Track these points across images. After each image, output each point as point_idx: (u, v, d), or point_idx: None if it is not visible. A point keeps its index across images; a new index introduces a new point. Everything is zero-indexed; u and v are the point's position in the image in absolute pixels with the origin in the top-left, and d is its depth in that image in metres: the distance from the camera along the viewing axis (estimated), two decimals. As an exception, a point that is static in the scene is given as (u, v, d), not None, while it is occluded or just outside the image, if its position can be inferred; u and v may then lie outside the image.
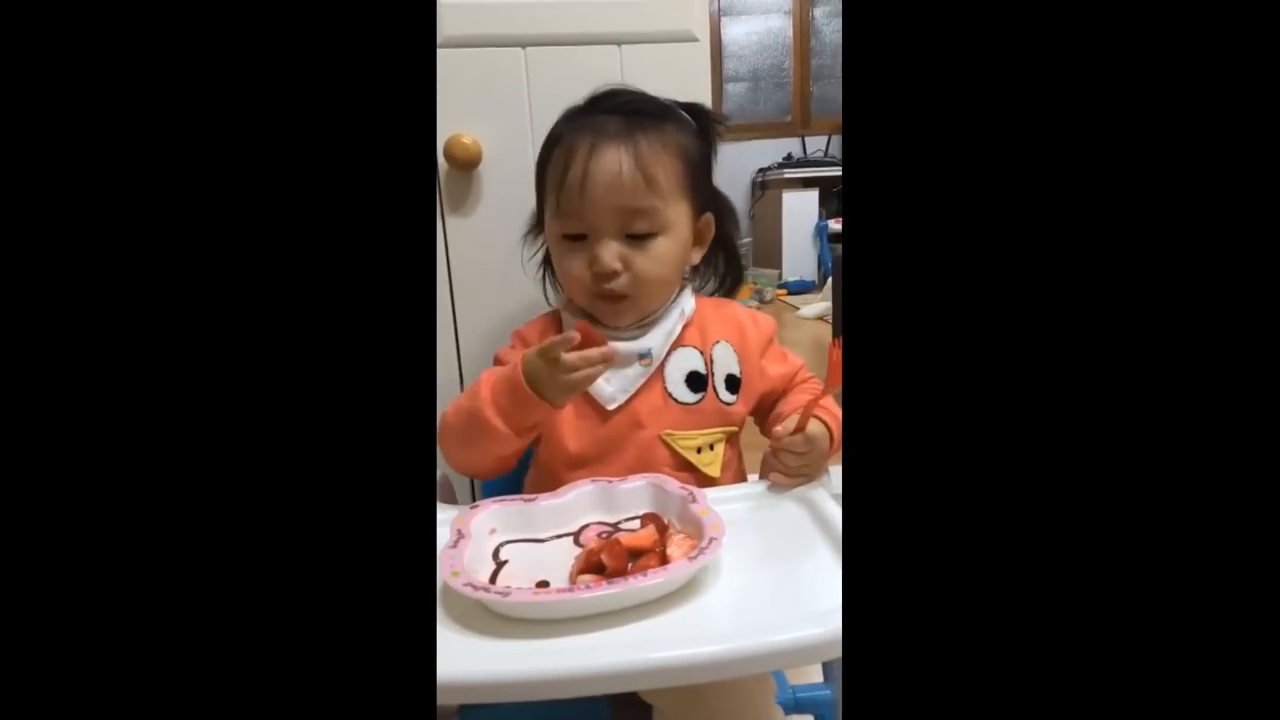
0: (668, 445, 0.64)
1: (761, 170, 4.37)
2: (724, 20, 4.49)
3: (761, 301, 3.77)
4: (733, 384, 0.66)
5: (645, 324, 0.66)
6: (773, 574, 0.48)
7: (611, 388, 0.64)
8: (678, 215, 0.64)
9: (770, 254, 4.22)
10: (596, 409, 0.65)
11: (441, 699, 0.33)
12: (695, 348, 0.66)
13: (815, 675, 0.67)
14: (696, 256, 0.69)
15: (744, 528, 0.52)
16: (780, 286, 3.98)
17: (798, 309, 3.53)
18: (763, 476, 0.60)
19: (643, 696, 0.57)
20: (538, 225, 0.73)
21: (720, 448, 0.65)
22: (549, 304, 0.77)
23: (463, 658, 0.38)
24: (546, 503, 0.54)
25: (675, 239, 0.64)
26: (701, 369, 0.65)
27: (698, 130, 0.68)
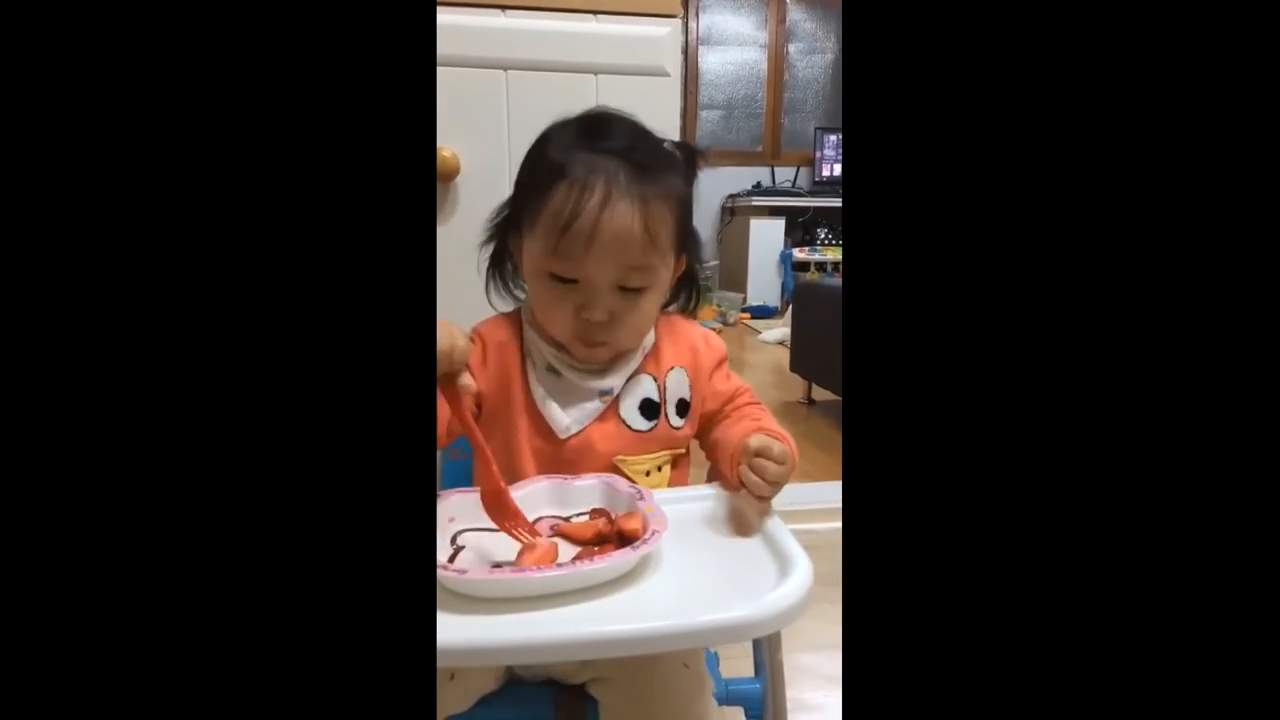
0: (618, 469, 0.66)
1: (732, 196, 4.47)
2: (701, 49, 4.61)
3: (725, 324, 3.84)
4: (683, 408, 0.68)
5: (612, 365, 0.68)
6: (710, 563, 0.52)
7: (568, 419, 0.65)
8: (665, 270, 0.65)
9: (736, 277, 4.31)
10: (551, 437, 0.66)
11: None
12: (651, 374, 0.68)
13: (747, 669, 0.71)
14: (666, 294, 0.70)
15: (686, 524, 0.56)
16: (744, 310, 4.06)
17: (759, 332, 3.61)
18: (716, 482, 0.64)
19: (589, 690, 0.61)
20: (499, 232, 0.72)
21: (667, 469, 0.68)
22: (491, 305, 0.75)
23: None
24: None
25: (659, 291, 0.65)
26: (655, 397, 0.67)
27: (686, 172, 0.68)
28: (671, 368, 0.69)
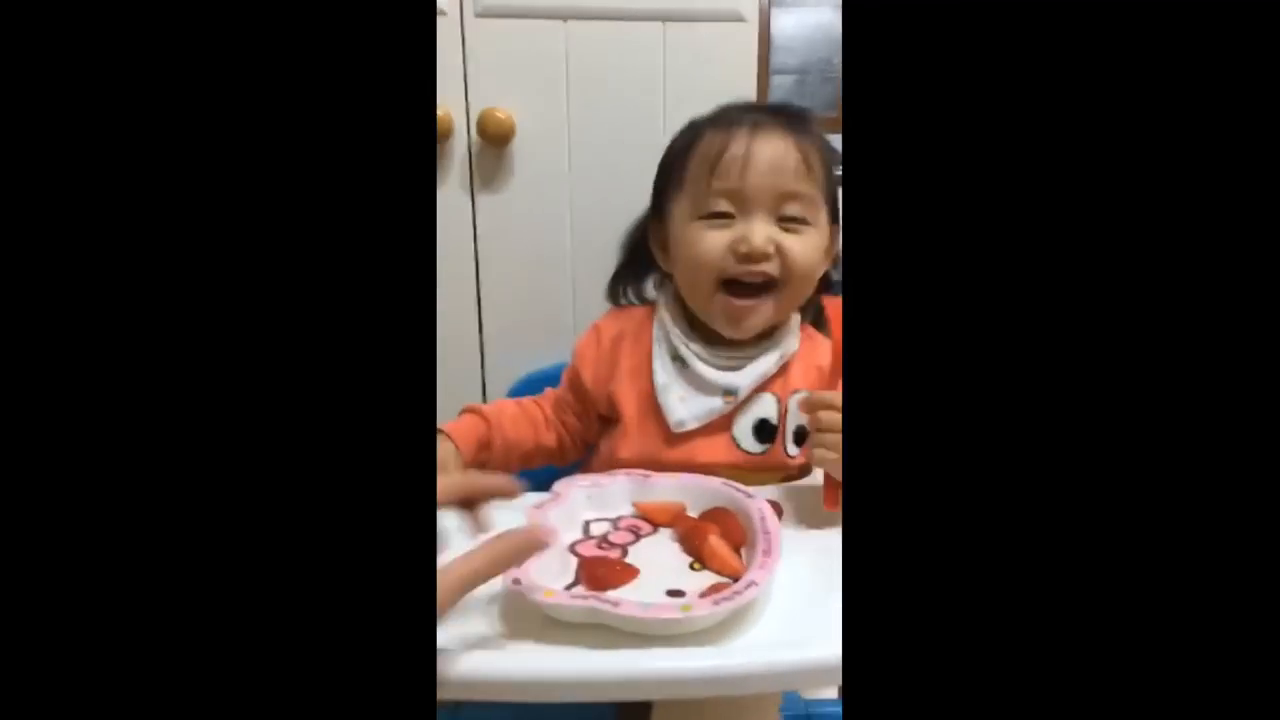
0: None
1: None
2: (774, 11, 4.43)
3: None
4: (800, 437, 0.62)
5: (748, 353, 0.62)
6: (801, 576, 0.45)
7: (685, 412, 0.60)
8: (822, 214, 0.61)
9: (807, 252, 4.18)
10: (661, 432, 0.61)
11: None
12: (775, 394, 0.62)
13: (831, 689, 0.64)
14: (827, 265, 0.65)
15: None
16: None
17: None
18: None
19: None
20: (646, 225, 0.68)
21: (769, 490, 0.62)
22: (615, 300, 0.70)
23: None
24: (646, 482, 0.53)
25: (821, 237, 0.61)
26: (774, 419, 0.61)
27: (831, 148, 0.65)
28: (796, 390, 0.62)
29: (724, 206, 0.59)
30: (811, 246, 0.60)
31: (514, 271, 0.80)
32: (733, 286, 0.59)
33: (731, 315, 0.60)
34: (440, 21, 0.74)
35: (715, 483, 0.52)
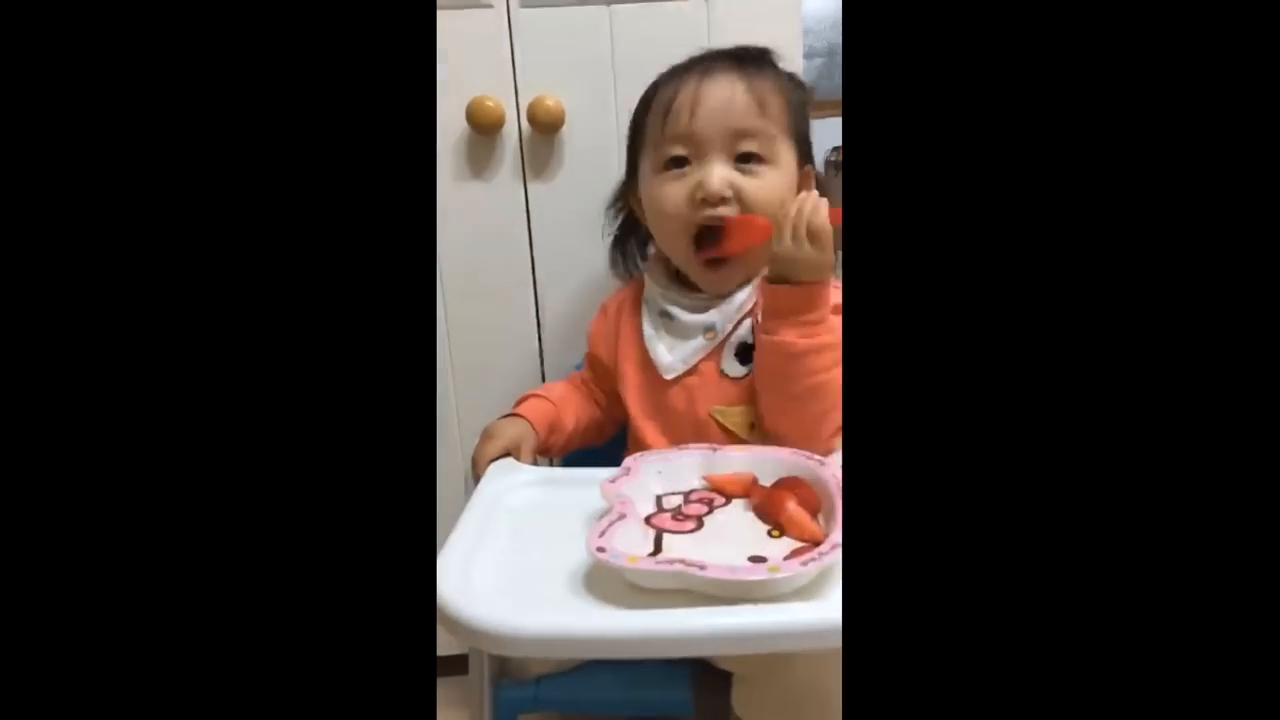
0: (716, 421, 0.62)
1: (836, 148, 4.25)
2: (802, -7, 4.37)
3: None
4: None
5: (723, 297, 0.64)
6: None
7: (672, 357, 0.63)
8: (785, 151, 0.62)
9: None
10: (657, 383, 0.64)
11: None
12: (755, 319, 0.63)
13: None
14: (793, 182, 0.65)
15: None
16: (854, 268, 3.89)
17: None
18: None
19: (720, 664, 0.56)
20: (624, 192, 0.71)
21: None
22: (621, 277, 0.75)
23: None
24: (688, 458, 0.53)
25: (783, 174, 0.62)
26: (751, 339, 0.62)
27: (799, 88, 0.66)
28: None
29: (680, 151, 0.61)
30: (772, 186, 0.60)
31: (569, 258, 0.81)
32: (702, 243, 0.61)
33: (707, 280, 0.63)
34: (487, 14, 0.75)
35: (784, 452, 0.52)
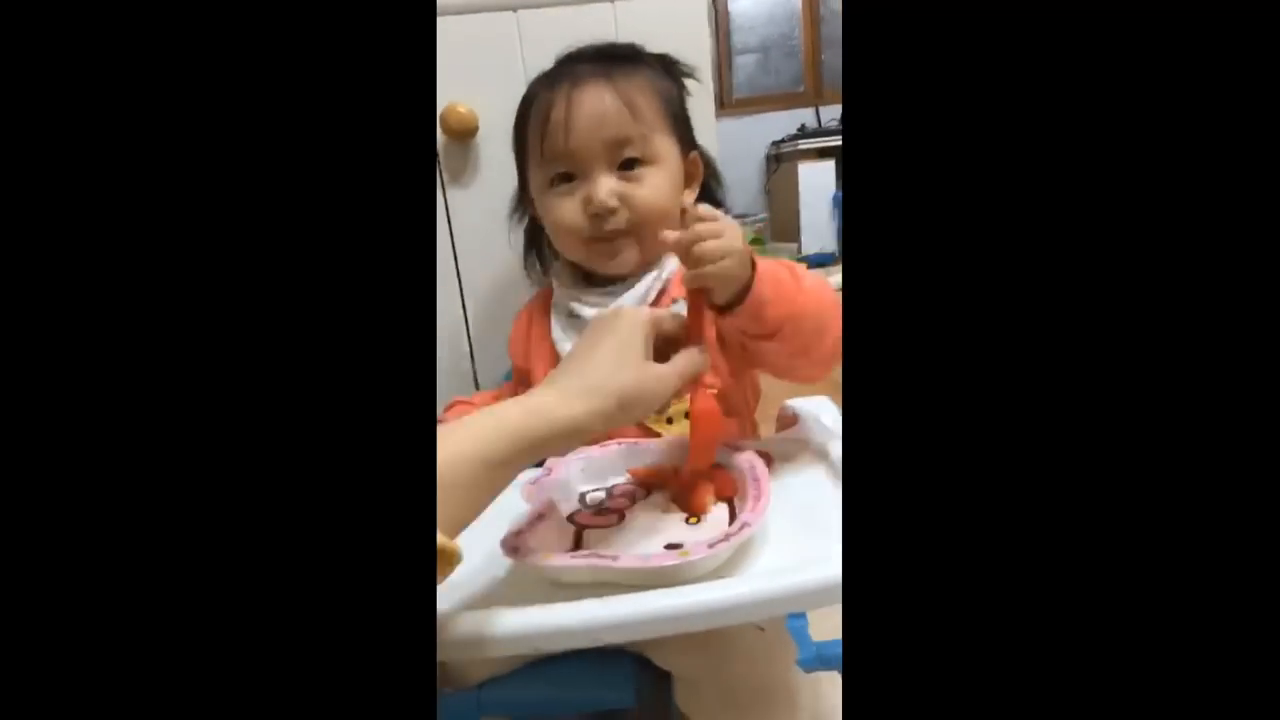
0: None
1: (775, 143, 4.31)
2: (731, -10, 4.43)
3: (781, 276, 3.72)
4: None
5: (628, 282, 0.63)
6: (782, 510, 0.46)
7: (572, 345, 0.62)
8: (665, 147, 0.63)
9: (788, 228, 4.17)
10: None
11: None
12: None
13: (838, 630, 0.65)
14: (689, 198, 0.67)
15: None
16: (800, 259, 3.93)
17: (819, 281, 3.48)
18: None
19: (659, 663, 0.56)
20: (522, 200, 0.71)
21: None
22: (537, 281, 0.75)
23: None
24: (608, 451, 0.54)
25: (667, 171, 0.63)
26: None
27: (669, 76, 0.67)
28: (675, 300, 0.63)
29: (564, 168, 0.61)
30: (657, 185, 0.61)
31: (493, 265, 0.81)
32: (599, 236, 0.61)
33: (604, 264, 0.63)
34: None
35: None
